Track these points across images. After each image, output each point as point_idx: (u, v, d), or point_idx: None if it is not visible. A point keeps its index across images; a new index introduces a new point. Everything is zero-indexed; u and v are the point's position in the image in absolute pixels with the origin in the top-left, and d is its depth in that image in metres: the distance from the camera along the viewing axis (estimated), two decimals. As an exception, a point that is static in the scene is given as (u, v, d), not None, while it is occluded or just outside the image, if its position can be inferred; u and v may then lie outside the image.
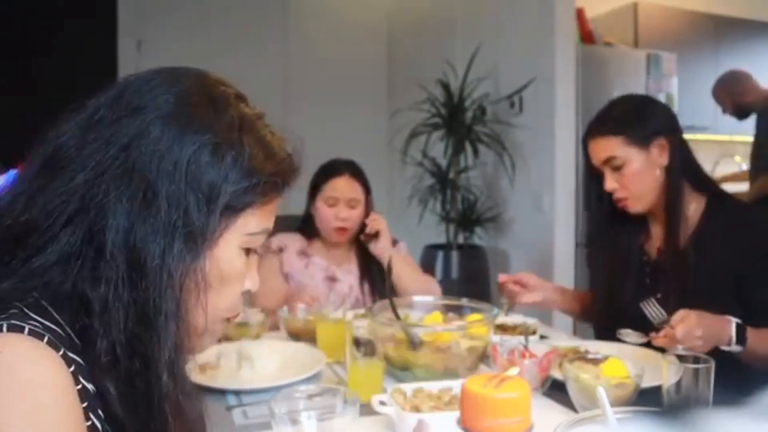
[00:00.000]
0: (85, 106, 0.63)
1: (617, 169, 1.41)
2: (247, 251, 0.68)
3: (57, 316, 0.58)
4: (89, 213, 0.58)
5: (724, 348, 1.21)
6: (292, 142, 0.70)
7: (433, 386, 1.09)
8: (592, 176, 1.51)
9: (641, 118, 1.42)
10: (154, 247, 0.59)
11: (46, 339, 0.55)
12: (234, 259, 0.66)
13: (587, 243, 1.71)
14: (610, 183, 1.43)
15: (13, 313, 0.55)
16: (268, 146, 0.66)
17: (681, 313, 1.18)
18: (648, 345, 1.27)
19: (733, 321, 1.21)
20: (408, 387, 1.09)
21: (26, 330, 0.54)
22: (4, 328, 0.54)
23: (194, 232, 0.61)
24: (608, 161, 1.42)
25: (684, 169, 1.42)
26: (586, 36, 3.46)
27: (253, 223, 0.66)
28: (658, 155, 1.41)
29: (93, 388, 0.58)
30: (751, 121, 3.44)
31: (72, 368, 0.56)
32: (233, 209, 0.63)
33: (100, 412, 0.59)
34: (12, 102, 3.36)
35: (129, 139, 0.60)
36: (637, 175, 1.40)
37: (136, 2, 3.98)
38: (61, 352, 0.55)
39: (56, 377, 0.54)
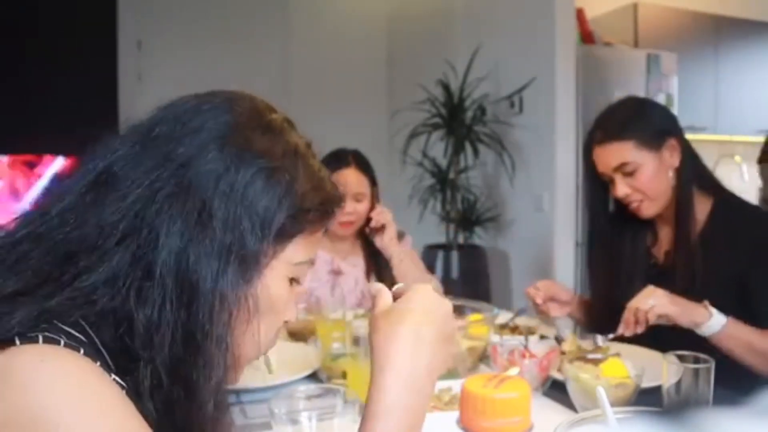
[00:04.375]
0: (139, 125, 0.62)
1: (629, 174, 1.38)
2: (291, 281, 0.67)
3: (94, 336, 0.57)
4: (142, 232, 0.57)
5: (703, 331, 1.22)
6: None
7: (433, 386, 1.09)
8: (595, 182, 1.48)
9: (648, 120, 1.40)
10: (207, 270, 0.57)
11: (81, 351, 0.54)
12: (281, 287, 0.65)
13: (589, 246, 1.66)
14: (622, 189, 1.39)
15: (46, 327, 0.54)
16: (317, 175, 0.66)
17: None
18: (623, 339, 1.29)
19: (709, 305, 1.23)
20: (408, 387, 1.08)
21: (62, 342, 0.53)
22: (40, 340, 0.53)
23: (248, 257, 0.59)
24: (620, 167, 1.38)
25: (693, 170, 1.41)
26: (586, 36, 3.46)
27: (300, 252, 0.65)
28: (670, 156, 1.39)
29: None
30: (750, 121, 3.43)
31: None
32: (284, 236, 0.62)
33: None
34: (12, 102, 3.36)
35: (186, 159, 0.59)
36: (651, 178, 1.37)
37: (136, 2, 3.98)
38: (98, 364, 0.54)
39: (103, 378, 0.53)
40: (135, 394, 0.56)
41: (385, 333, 0.66)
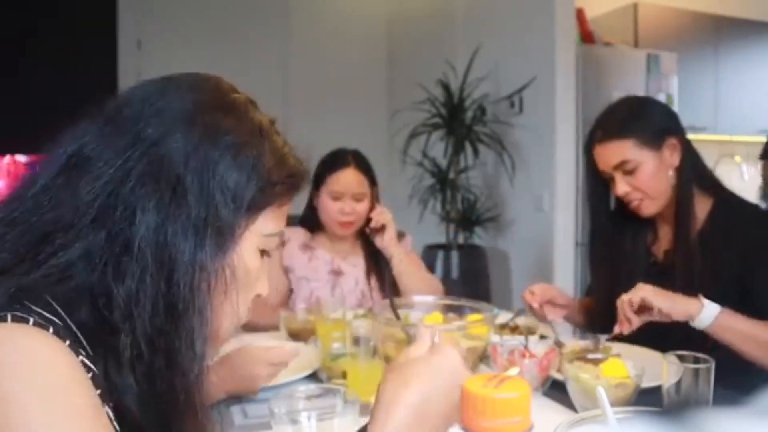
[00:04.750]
0: (106, 108, 0.64)
1: (629, 172, 1.38)
2: (262, 253, 0.69)
3: (65, 317, 0.58)
4: (117, 209, 0.59)
5: (696, 324, 1.21)
6: (300, 148, 0.72)
7: (433, 386, 1.09)
8: (596, 180, 1.49)
9: (648, 118, 1.41)
10: (185, 243, 0.60)
11: (51, 330, 0.55)
12: (253, 258, 0.67)
13: (590, 244, 1.65)
14: (622, 187, 1.39)
15: (17, 307, 0.55)
16: (280, 151, 0.68)
17: None
18: (623, 339, 1.29)
19: (702, 297, 1.23)
20: (408, 387, 1.08)
21: (31, 321, 0.54)
22: (9, 319, 0.54)
23: (223, 228, 0.62)
24: (620, 165, 1.38)
25: (693, 170, 1.41)
26: (586, 36, 3.46)
27: (270, 223, 0.68)
28: (670, 155, 1.39)
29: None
30: (750, 121, 3.43)
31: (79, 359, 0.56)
32: (254, 208, 0.65)
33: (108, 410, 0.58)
34: (12, 102, 3.36)
35: (157, 137, 0.60)
36: (651, 177, 1.38)
37: (136, 2, 3.98)
38: (67, 343, 0.55)
39: (69, 359, 0.54)
40: (115, 366, 0.58)
41: (393, 390, 0.65)
